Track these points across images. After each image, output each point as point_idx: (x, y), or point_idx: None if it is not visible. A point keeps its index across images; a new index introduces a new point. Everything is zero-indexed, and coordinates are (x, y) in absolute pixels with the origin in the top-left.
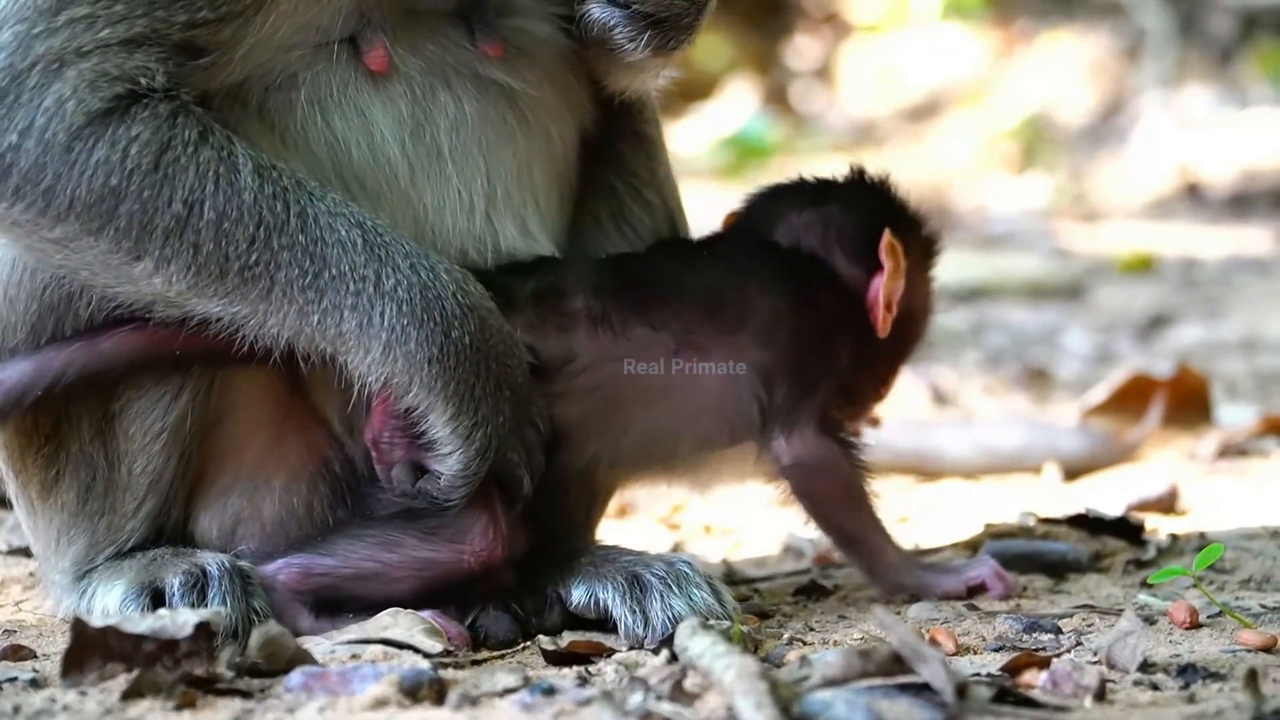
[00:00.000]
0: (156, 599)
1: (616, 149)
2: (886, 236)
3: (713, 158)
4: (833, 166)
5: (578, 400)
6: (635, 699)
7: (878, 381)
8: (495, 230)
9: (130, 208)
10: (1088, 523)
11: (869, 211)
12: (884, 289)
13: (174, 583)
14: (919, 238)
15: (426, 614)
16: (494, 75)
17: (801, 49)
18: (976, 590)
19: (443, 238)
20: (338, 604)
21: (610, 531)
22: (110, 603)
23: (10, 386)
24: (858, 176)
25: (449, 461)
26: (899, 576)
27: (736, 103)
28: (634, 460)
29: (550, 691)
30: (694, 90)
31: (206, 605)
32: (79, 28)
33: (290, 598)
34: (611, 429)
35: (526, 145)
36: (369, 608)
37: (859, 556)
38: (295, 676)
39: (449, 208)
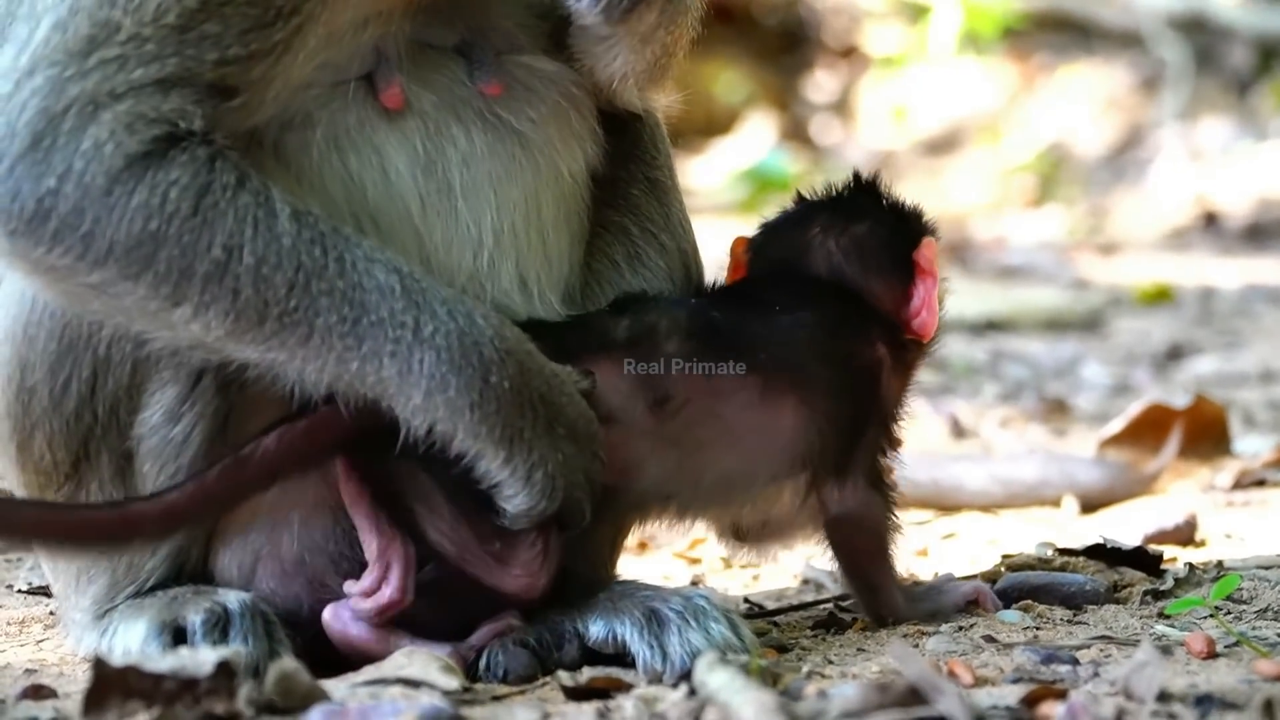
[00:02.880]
0: (178, 637)
1: (630, 195)
2: (931, 244)
3: (731, 191)
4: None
5: (667, 441)
6: None
7: (906, 391)
8: (502, 268)
9: (170, 253)
10: (1105, 554)
11: (895, 222)
12: (932, 295)
13: (195, 621)
14: (935, 235)
15: (437, 649)
16: (497, 113)
17: (820, 83)
18: (972, 604)
19: (450, 274)
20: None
21: (629, 566)
22: (131, 641)
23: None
24: (861, 185)
25: (515, 502)
26: (896, 609)
27: (755, 137)
28: (705, 502)
29: None
30: (713, 125)
31: (228, 644)
32: (111, 69)
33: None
34: (694, 471)
35: (535, 180)
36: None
37: (867, 599)
38: (315, 714)
39: (456, 244)
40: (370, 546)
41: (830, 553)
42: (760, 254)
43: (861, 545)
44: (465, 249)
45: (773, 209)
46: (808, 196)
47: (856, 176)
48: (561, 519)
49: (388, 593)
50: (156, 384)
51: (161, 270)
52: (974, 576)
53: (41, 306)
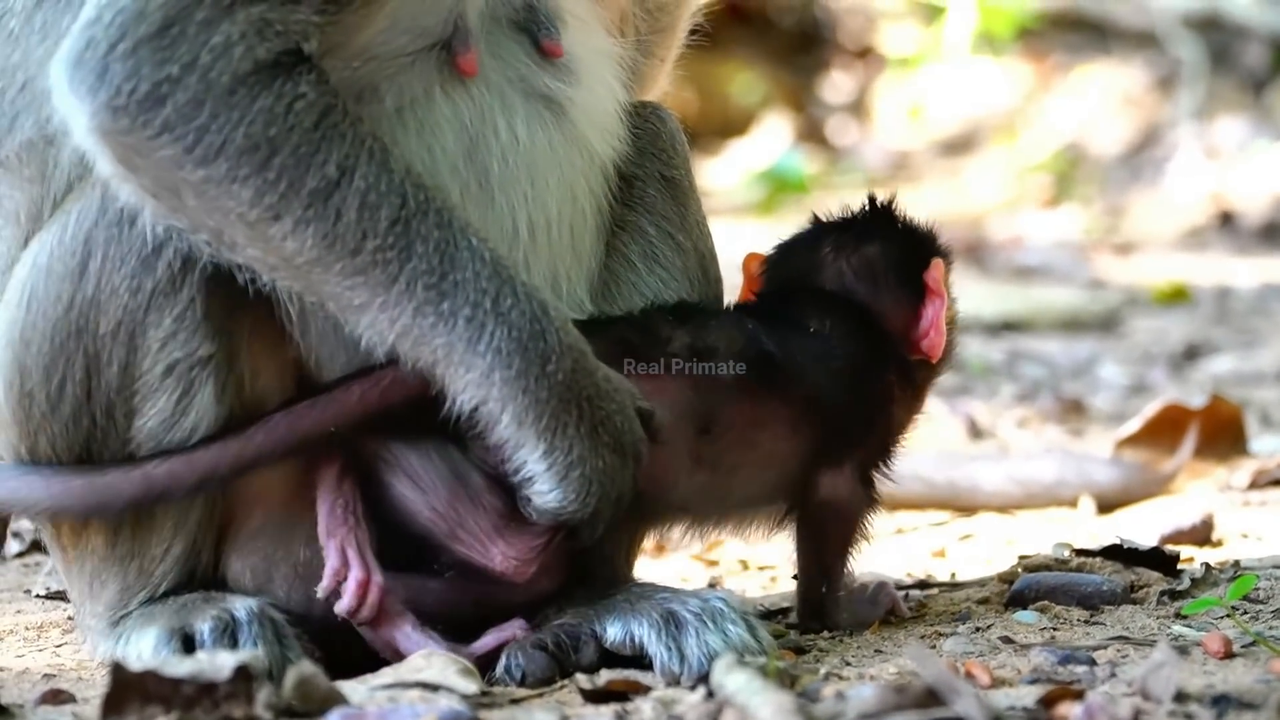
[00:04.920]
0: (188, 645)
1: (647, 194)
2: (940, 265)
3: (748, 193)
4: (853, 199)
5: (704, 463)
6: None
7: (915, 411)
8: (535, 265)
9: (284, 160)
10: (1122, 554)
11: (906, 243)
12: (940, 316)
13: (204, 629)
14: (946, 257)
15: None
16: (547, 85)
17: (836, 83)
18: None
19: None
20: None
21: (647, 568)
22: (144, 649)
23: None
24: (877, 207)
25: (546, 499)
26: (834, 613)
27: (771, 137)
28: (724, 517)
29: None
30: (729, 126)
31: (238, 650)
32: None
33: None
34: (722, 491)
35: (570, 168)
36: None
37: (813, 587)
38: (333, 718)
39: (492, 236)
40: (321, 534)
41: (796, 538)
42: (774, 271)
43: (833, 536)
44: (500, 242)
45: (788, 229)
46: (822, 218)
47: (872, 199)
48: (578, 528)
49: (354, 576)
50: (147, 389)
51: (271, 177)
52: (991, 578)
53: (36, 308)
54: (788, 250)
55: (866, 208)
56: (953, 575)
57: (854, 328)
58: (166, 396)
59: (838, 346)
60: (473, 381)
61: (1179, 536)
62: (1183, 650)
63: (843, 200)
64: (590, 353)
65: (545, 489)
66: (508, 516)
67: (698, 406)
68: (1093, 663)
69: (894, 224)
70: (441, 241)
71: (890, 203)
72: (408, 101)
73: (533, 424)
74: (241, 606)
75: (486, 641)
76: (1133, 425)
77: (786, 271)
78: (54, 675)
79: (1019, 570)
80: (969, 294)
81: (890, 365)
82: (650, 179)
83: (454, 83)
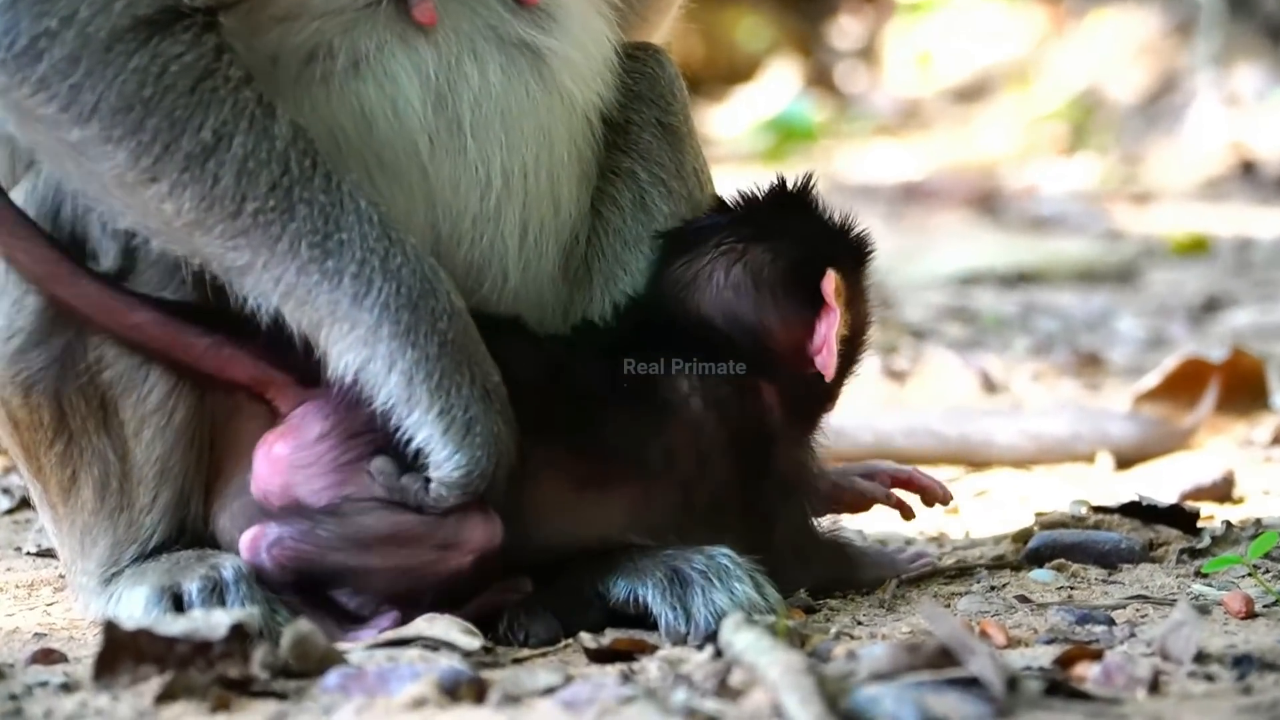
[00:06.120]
0: (177, 603)
1: (642, 139)
2: (832, 278)
3: (755, 140)
4: (769, 173)
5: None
6: (679, 696)
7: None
8: (506, 212)
9: (158, 123)
10: (1141, 511)
11: (802, 245)
12: (831, 333)
13: (192, 589)
14: (854, 254)
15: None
16: (522, 33)
17: (845, 29)
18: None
19: (456, 216)
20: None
21: None
22: (134, 607)
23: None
24: (782, 194)
25: (447, 466)
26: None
27: (779, 84)
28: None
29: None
30: (735, 72)
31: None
32: None
33: (282, 580)
34: (534, 529)
35: (548, 114)
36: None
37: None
38: (332, 677)
39: (464, 185)
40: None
41: None
42: (658, 271)
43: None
44: (473, 190)
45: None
46: (727, 203)
47: (781, 184)
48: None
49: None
50: None
51: (146, 140)
52: (1006, 535)
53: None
54: (674, 247)
55: (775, 195)
56: (967, 533)
57: (721, 369)
58: None
59: (678, 395)
60: (358, 339)
61: (1199, 493)
62: (1203, 610)
63: (854, 149)
64: (474, 322)
65: (446, 453)
66: (436, 524)
67: None
68: (1111, 622)
69: (800, 217)
70: (328, 205)
71: (805, 188)
72: (364, 56)
73: (424, 380)
74: (230, 566)
75: (479, 603)
76: (1151, 379)
77: (666, 279)
78: (45, 634)
79: (1035, 528)
80: (982, 245)
81: (769, 407)
82: (646, 125)
83: (414, 34)
